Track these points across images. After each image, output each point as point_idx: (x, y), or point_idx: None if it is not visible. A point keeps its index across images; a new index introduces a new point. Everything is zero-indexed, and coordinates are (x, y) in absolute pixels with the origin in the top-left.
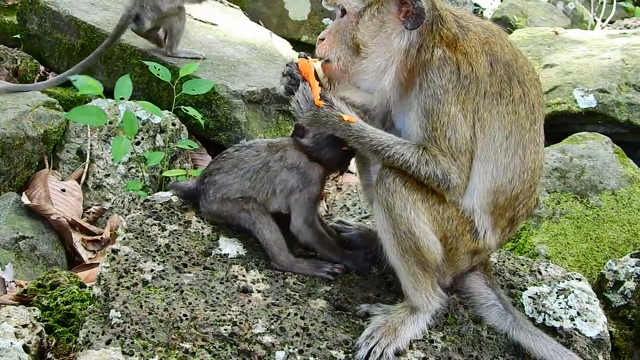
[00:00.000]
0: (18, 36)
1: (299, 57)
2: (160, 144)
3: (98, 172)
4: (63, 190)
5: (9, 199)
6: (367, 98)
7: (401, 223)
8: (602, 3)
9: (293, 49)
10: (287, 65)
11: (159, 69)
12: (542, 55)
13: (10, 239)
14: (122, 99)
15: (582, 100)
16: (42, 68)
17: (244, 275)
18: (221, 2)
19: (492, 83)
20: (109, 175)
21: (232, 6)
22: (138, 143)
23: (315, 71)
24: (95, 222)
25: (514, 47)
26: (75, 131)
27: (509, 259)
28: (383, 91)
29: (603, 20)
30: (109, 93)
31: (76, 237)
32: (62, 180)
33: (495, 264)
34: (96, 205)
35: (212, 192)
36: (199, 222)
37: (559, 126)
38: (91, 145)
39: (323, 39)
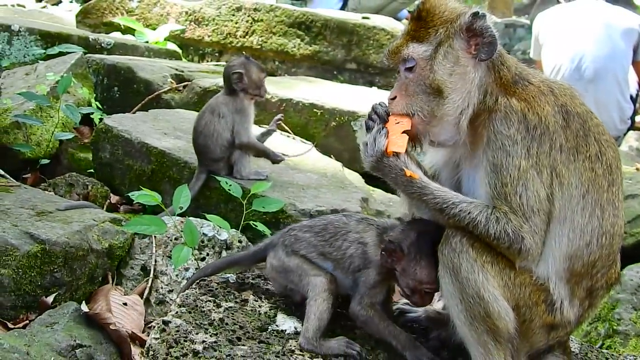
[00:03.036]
0: (92, 171)
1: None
2: None
3: (161, 288)
4: (125, 304)
5: (68, 308)
6: (437, 157)
7: (468, 286)
8: None
9: (365, 182)
10: (375, 108)
11: (230, 185)
12: (624, 187)
13: (67, 346)
14: (181, 208)
15: None
16: (113, 196)
17: (301, 351)
18: (293, 138)
19: (567, 137)
20: (172, 290)
21: (304, 142)
22: (203, 259)
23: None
24: None
25: (585, 105)
26: (140, 247)
27: (592, 351)
28: (459, 138)
29: None
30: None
31: (135, 350)
32: (124, 295)
33: (577, 354)
34: (156, 323)
35: (297, 246)
36: (256, 300)
37: None
38: (155, 261)
39: (395, 97)
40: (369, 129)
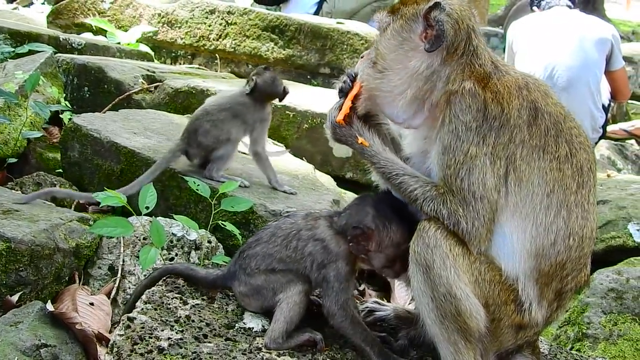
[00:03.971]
0: (60, 170)
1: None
2: (195, 261)
3: (129, 288)
4: (91, 303)
5: (34, 307)
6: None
7: (440, 284)
8: None
9: (338, 184)
10: (347, 74)
11: (198, 185)
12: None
13: (32, 346)
14: (147, 207)
15: (638, 234)
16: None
17: (269, 349)
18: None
19: (532, 134)
20: None
21: (276, 144)
22: (172, 259)
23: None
24: None
25: (561, 106)
26: (108, 247)
27: (561, 352)
28: (405, 118)
29: None
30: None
31: (101, 351)
32: (91, 294)
33: (546, 355)
34: (121, 320)
35: (255, 264)
36: (223, 298)
37: (615, 262)
38: (123, 261)
39: (363, 57)
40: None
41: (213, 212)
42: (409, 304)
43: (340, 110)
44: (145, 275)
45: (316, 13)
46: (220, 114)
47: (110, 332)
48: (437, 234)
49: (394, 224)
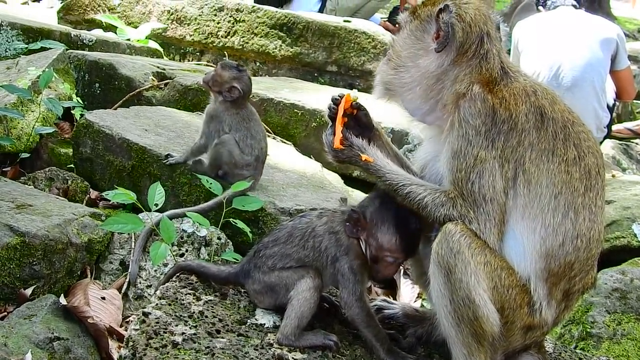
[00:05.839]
0: (72, 166)
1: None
2: (205, 257)
3: (140, 283)
4: (103, 298)
5: (47, 300)
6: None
7: (460, 288)
8: None
9: (345, 183)
10: (332, 99)
11: (210, 183)
12: None
13: (45, 339)
14: (156, 205)
15: None
16: (92, 192)
17: (281, 344)
18: (274, 138)
19: (540, 138)
20: (150, 286)
21: (284, 142)
22: (182, 255)
23: (351, 105)
24: None
25: (570, 112)
26: (119, 242)
27: (565, 351)
28: (416, 113)
29: None
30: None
31: (113, 344)
32: (103, 289)
33: (551, 354)
34: (135, 315)
35: (272, 263)
36: (236, 294)
37: (619, 262)
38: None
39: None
40: (330, 118)
41: (224, 210)
42: (415, 301)
43: (334, 135)
44: (155, 271)
45: (320, 10)
46: (247, 139)
47: (121, 326)
48: (461, 239)
49: (386, 227)
